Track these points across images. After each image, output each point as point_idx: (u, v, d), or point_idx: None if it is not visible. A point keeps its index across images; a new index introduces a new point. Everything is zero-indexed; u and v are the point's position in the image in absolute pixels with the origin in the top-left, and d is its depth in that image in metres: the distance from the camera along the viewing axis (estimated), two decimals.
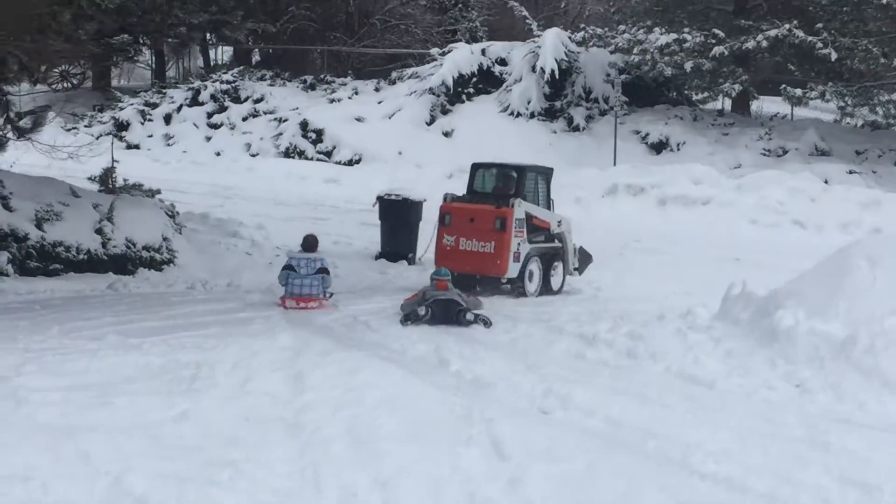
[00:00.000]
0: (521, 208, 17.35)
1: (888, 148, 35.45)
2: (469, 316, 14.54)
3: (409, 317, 14.56)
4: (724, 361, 12.06)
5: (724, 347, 12.56)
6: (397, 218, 22.15)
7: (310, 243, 16.35)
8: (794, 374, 11.38)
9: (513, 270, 17.30)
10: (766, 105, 41.40)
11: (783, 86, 35.88)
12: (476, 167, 18.61)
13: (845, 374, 11.05)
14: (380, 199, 22.28)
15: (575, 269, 18.94)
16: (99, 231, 18.39)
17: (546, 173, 18.92)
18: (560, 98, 37.86)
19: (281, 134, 35.78)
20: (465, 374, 11.43)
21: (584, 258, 19.31)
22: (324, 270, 15.94)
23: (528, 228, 17.63)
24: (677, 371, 11.72)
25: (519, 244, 17.28)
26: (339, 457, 8.46)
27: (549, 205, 18.67)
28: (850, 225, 29.42)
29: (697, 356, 12.14)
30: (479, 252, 17.33)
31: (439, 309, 14.63)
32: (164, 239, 19.29)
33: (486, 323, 14.48)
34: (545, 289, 18.13)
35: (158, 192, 22.49)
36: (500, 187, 18.17)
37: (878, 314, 11.73)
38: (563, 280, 18.62)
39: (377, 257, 22.15)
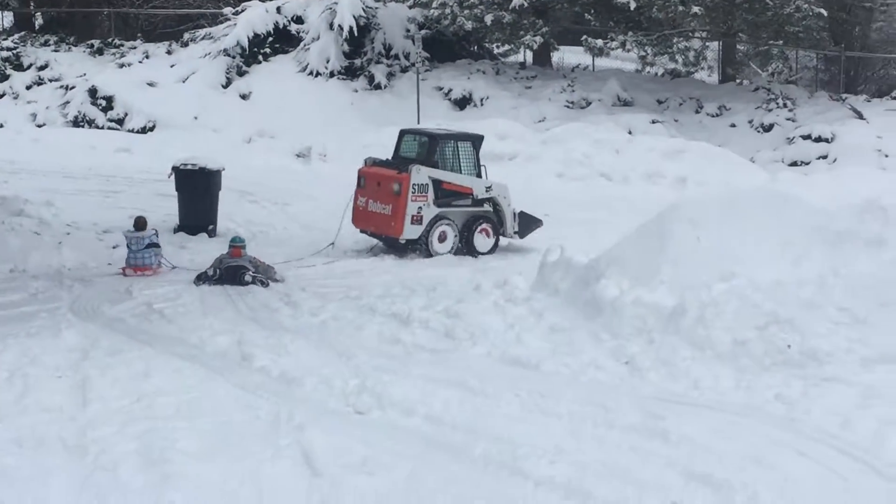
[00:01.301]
0: (420, 174, 18.33)
1: (688, 96, 35.55)
2: (247, 277, 15.41)
3: (200, 277, 15.64)
4: (547, 338, 11.35)
5: (546, 322, 11.86)
6: (195, 189, 20.83)
7: (139, 224, 17.27)
8: (621, 350, 10.73)
9: (410, 232, 18.40)
10: (568, 56, 41.13)
11: (584, 37, 35.52)
12: (402, 133, 19.75)
13: (676, 347, 10.44)
14: (175, 169, 20.96)
15: (515, 233, 19.63)
16: None
17: (472, 140, 19.62)
18: (360, 56, 36.74)
19: (68, 102, 33.66)
20: (271, 371, 10.41)
21: (528, 222, 19.87)
22: (153, 245, 17.00)
23: (441, 193, 18.64)
24: (500, 353, 10.92)
25: (420, 208, 18.33)
26: (127, 485, 7.42)
27: (477, 171, 19.36)
28: (655, 175, 29.47)
29: (519, 334, 11.41)
30: (381, 214, 18.59)
31: (229, 274, 15.58)
32: None
33: (264, 284, 15.42)
34: (469, 251, 19.02)
35: None
36: (419, 153, 19.10)
37: (704, 280, 11.17)
38: (495, 243, 19.33)
39: (176, 231, 20.85)
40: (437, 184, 18.66)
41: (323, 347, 11.36)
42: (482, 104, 35.15)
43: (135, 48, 38.23)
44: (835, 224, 11.54)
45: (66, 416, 8.92)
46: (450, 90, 35.74)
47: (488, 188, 19.37)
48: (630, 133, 31.61)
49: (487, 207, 19.34)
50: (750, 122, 33.72)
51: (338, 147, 30.50)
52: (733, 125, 33.93)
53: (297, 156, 30.72)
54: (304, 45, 36.77)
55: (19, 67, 36.40)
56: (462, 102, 35.33)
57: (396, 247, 18.90)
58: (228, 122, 33.20)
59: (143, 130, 33.03)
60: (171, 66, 36.39)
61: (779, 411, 8.88)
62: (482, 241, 19.30)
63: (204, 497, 7.17)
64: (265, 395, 9.60)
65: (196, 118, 33.81)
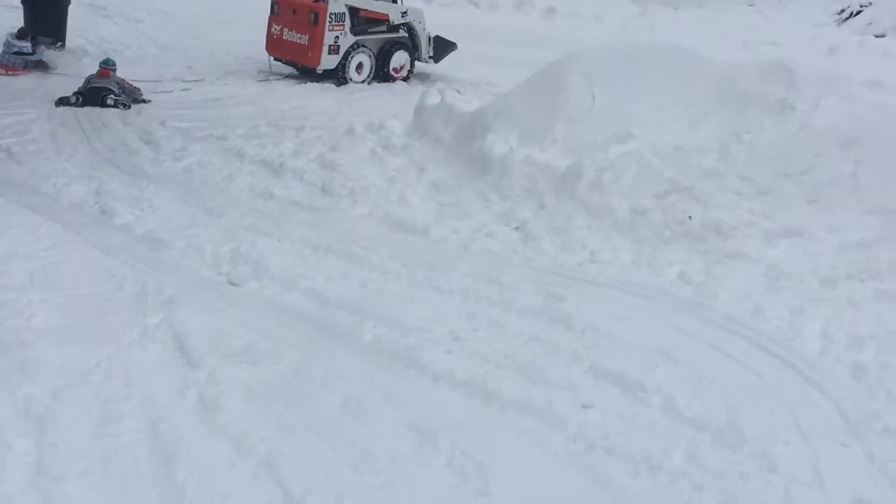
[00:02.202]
0: (337, 3, 18.21)
1: None
2: (109, 100, 15.21)
3: (62, 100, 15.23)
4: (432, 197, 10.63)
5: (429, 178, 11.12)
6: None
7: (21, 33, 17.96)
8: (512, 214, 10.08)
9: (327, 62, 18.36)
10: None
11: None
12: None
13: (571, 215, 9.81)
14: None
15: (430, 58, 19.65)
16: None
17: None
18: None
19: None
20: (134, 229, 9.52)
21: (443, 47, 19.81)
22: (22, 54, 17.70)
23: (358, 21, 18.62)
24: (383, 214, 10.14)
25: (337, 37, 18.28)
26: None
27: None
28: (525, 4, 28.82)
29: (403, 193, 10.64)
30: (297, 43, 18.48)
31: (92, 94, 15.33)
32: None
33: (125, 106, 15.24)
34: (385, 78, 19.12)
35: None
36: None
37: (600, 141, 10.53)
38: (411, 68, 19.43)
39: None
40: (353, 11, 18.56)
41: (190, 202, 10.45)
42: None
43: None
44: (738, 86, 10.95)
45: None
46: None
47: (404, 13, 19.30)
48: None
49: (403, 33, 19.33)
50: None
51: None
52: None
53: None
54: None
55: None
56: None
57: (312, 74, 18.69)
58: None
59: None
60: None
61: (684, 293, 8.35)
62: (397, 67, 19.33)
63: (62, 391, 6.36)
64: (129, 259, 8.74)
65: None
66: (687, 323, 7.79)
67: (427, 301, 8.07)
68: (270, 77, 18.88)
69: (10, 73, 17.50)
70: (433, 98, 13.14)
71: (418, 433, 6.11)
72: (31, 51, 17.84)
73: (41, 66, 17.92)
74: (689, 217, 9.47)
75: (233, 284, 8.33)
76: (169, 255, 8.94)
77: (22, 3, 19.73)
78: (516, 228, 9.81)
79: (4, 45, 17.82)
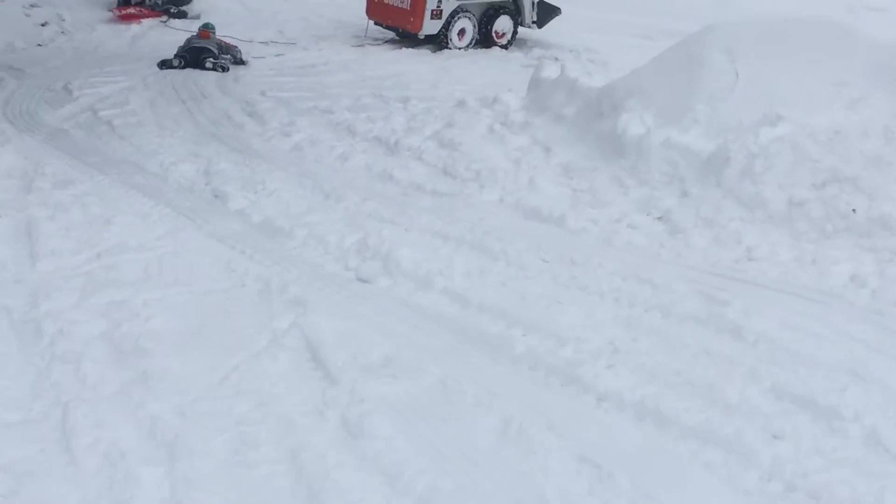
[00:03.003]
0: None
1: None
2: (208, 63, 15.22)
3: (165, 63, 15.28)
4: (564, 182, 9.85)
5: (557, 160, 10.34)
6: None
7: None
8: (652, 202, 9.26)
9: (429, 28, 17.95)
10: None
11: None
12: None
13: (719, 204, 8.95)
14: None
15: (533, 23, 19.10)
16: None
17: None
18: None
19: None
20: (250, 216, 8.86)
21: (547, 11, 19.26)
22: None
23: None
24: (514, 201, 9.38)
25: (440, 1, 17.85)
26: (96, 390, 5.91)
27: None
28: None
29: (532, 176, 9.86)
30: (399, 7, 18.10)
31: (192, 56, 15.39)
32: None
33: (224, 69, 15.25)
34: (486, 44, 18.65)
35: None
36: None
37: (747, 123, 9.67)
38: (514, 34, 18.87)
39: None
40: None
41: (306, 184, 9.77)
42: None
43: None
44: None
45: (10, 275, 7.36)
46: None
47: None
48: None
49: None
50: None
51: None
52: None
53: None
54: None
55: None
56: None
57: (412, 39, 18.40)
58: None
59: None
60: None
61: (860, 299, 7.51)
62: (499, 33, 18.86)
63: (191, 410, 5.71)
64: (248, 250, 8.08)
65: None
66: (870, 334, 6.96)
67: (576, 304, 7.31)
68: (365, 42, 18.36)
69: (131, 20, 18.07)
70: (550, 71, 12.36)
71: (592, 467, 5.38)
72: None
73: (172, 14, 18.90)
74: (853, 210, 8.61)
75: (362, 281, 7.63)
76: (290, 245, 8.27)
77: None
78: (659, 218, 9.01)
79: None
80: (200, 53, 15.42)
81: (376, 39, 18.82)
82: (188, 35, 16.85)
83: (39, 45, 16.90)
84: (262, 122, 12.16)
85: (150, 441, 5.42)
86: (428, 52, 17.84)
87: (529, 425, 5.70)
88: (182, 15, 19.19)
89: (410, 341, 6.65)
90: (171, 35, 17.97)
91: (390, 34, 19.03)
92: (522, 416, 5.78)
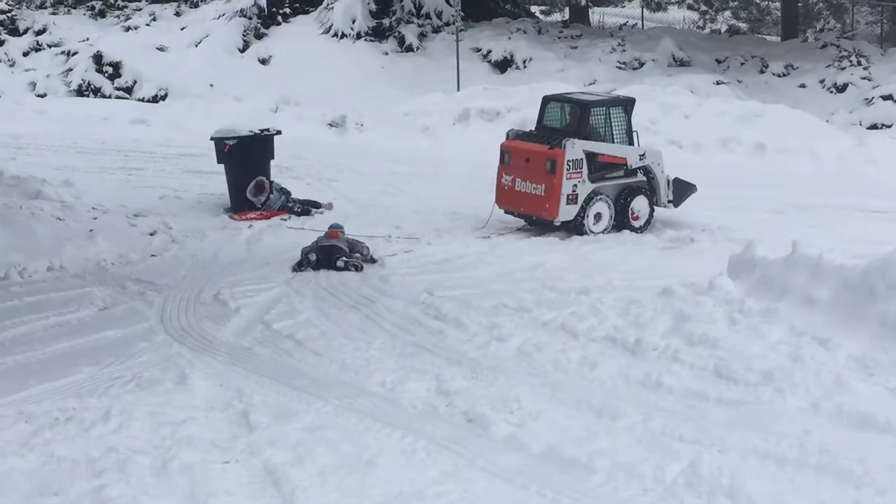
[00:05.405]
0: (575, 149, 16.63)
1: (749, 54, 32.53)
2: (339, 262, 14.43)
3: (302, 263, 14.56)
4: (872, 379, 8.25)
5: (844, 352, 8.80)
6: (249, 159, 18.55)
7: (259, 187, 17.95)
8: None
9: (565, 214, 16.77)
10: (606, 17, 38.17)
11: None
12: (546, 100, 17.79)
13: None
14: (218, 140, 18.71)
15: (669, 202, 17.95)
16: None
17: (624, 105, 17.84)
18: (388, 15, 33.55)
19: (71, 69, 30.59)
20: (526, 444, 7.35)
21: (683, 189, 18.13)
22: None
23: (595, 167, 17.02)
24: (833, 409, 7.78)
25: (575, 185, 16.68)
26: None
27: (629, 139, 17.66)
28: (731, 142, 26.78)
29: (838, 375, 8.31)
30: (532, 194, 16.96)
31: (324, 255, 14.60)
32: None
33: (357, 268, 14.46)
34: (622, 226, 17.39)
35: None
36: (567, 123, 17.33)
37: None
38: (651, 215, 17.62)
39: (227, 211, 18.43)
40: (590, 157, 16.94)
41: (566, 400, 8.23)
42: (525, 66, 32.20)
43: (140, 10, 35.16)
44: None
45: None
46: (489, 52, 32.74)
47: (642, 156, 17.60)
48: (692, 93, 28.71)
49: (641, 177, 17.66)
50: (821, 81, 30.63)
51: (374, 115, 27.81)
52: (803, 85, 30.85)
53: (330, 125, 27.69)
54: (328, 5, 33.80)
55: (14, 32, 33.38)
56: (503, 65, 32.36)
57: (539, 227, 17.15)
58: (249, 90, 30.51)
59: (155, 99, 30.54)
60: (182, 29, 33.43)
61: None
62: (636, 214, 17.66)
63: None
64: (547, 491, 6.48)
65: (212, 85, 31.27)
66: None
67: None
68: (490, 233, 17.16)
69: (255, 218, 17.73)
70: (760, 250, 11.00)
71: None
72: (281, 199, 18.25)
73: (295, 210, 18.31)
74: None
75: None
76: (594, 481, 6.73)
77: (224, 163, 18.74)
78: None
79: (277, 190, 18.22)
80: (332, 252, 14.56)
81: (499, 230, 17.59)
82: (303, 235, 15.98)
83: (153, 255, 15.75)
84: (459, 325, 10.79)
85: None
86: (556, 239, 16.59)
87: None
88: (307, 213, 18.05)
89: None
90: (286, 236, 16.82)
91: (513, 223, 17.80)
92: None
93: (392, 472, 6.75)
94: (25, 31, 33.28)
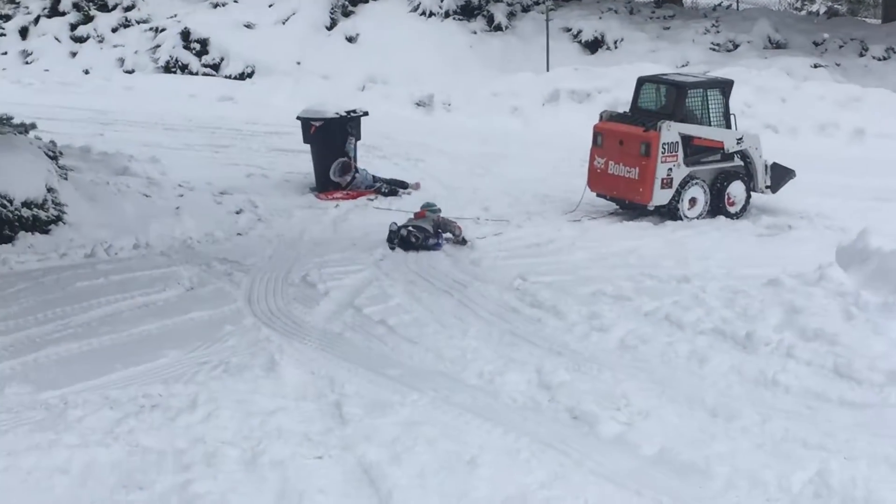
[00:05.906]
0: (671, 131, 16.13)
1: (849, 37, 31.55)
2: (393, 226, 14.51)
3: (391, 238, 14.43)
4: None
5: None
6: (334, 140, 18.28)
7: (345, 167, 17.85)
8: None
9: (660, 198, 16.33)
10: None
11: None
12: (641, 82, 17.43)
13: None
14: (306, 120, 18.46)
15: (767, 188, 17.37)
16: None
17: (721, 86, 17.44)
18: None
19: (159, 46, 30.64)
20: (637, 445, 6.91)
21: (781, 175, 17.60)
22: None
23: (691, 150, 16.54)
24: None
25: (670, 169, 16.23)
26: None
27: (726, 122, 17.19)
28: (829, 126, 25.99)
29: None
30: (625, 178, 16.52)
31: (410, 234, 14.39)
32: (49, 190, 14.29)
33: (418, 239, 14.27)
34: (717, 212, 16.91)
35: (33, 126, 17.12)
36: (662, 105, 16.93)
37: None
38: (747, 200, 17.11)
39: (313, 190, 18.23)
40: (686, 140, 16.41)
41: (676, 398, 7.76)
42: (616, 47, 31.48)
43: None
44: None
45: None
46: (579, 32, 32.03)
47: (739, 140, 17.09)
48: (788, 76, 27.96)
49: (738, 161, 17.14)
50: None
51: (462, 95, 27.34)
52: None
53: (418, 104, 27.34)
54: None
55: (104, 8, 33.32)
56: (593, 45, 31.65)
57: (632, 211, 16.68)
58: (336, 68, 30.15)
59: (242, 77, 30.35)
60: (270, 6, 33.03)
61: None
62: (732, 200, 17.16)
63: None
64: (666, 500, 6.06)
65: (299, 63, 30.90)
66: None
67: None
68: (581, 217, 16.67)
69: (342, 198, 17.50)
70: (873, 240, 10.43)
71: None
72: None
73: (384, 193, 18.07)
74: None
75: None
76: (713, 488, 6.32)
77: (309, 143, 18.51)
78: None
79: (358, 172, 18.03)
80: (408, 233, 14.35)
81: (590, 213, 17.09)
82: (389, 216, 15.66)
83: (239, 234, 15.50)
84: (557, 313, 10.34)
85: None
86: (650, 224, 16.07)
87: None
88: (394, 193, 17.68)
89: None
90: (373, 217, 16.48)
91: (604, 207, 17.29)
92: None
93: (496, 474, 6.35)
94: (114, 8, 33.24)
